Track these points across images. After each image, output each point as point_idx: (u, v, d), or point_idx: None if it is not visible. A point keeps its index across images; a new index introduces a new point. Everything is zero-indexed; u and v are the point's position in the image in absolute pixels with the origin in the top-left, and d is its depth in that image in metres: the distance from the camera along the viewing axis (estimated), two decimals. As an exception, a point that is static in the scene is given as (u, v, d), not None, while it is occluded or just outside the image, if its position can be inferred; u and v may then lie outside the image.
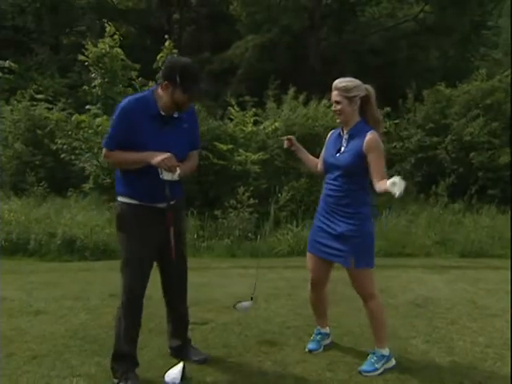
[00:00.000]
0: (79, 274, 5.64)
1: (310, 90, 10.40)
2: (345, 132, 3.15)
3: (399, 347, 3.39)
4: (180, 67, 2.82)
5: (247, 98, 10.28)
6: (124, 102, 2.88)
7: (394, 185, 2.73)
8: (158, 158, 2.77)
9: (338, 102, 3.10)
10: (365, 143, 3.02)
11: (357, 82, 3.11)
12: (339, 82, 3.10)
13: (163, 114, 2.88)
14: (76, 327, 3.75)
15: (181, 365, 2.97)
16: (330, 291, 3.46)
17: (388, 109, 10.02)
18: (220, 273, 5.52)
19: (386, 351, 3.16)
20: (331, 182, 3.15)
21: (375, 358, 3.14)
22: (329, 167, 3.17)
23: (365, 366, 3.12)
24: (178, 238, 3.01)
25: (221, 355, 3.30)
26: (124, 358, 2.96)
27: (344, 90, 3.07)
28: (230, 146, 8.72)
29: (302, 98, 9.73)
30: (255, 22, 16.11)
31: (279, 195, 8.27)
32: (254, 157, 8.62)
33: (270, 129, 9.07)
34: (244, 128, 9.25)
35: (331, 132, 3.33)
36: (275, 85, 10.54)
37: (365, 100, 3.12)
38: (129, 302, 2.96)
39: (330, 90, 3.18)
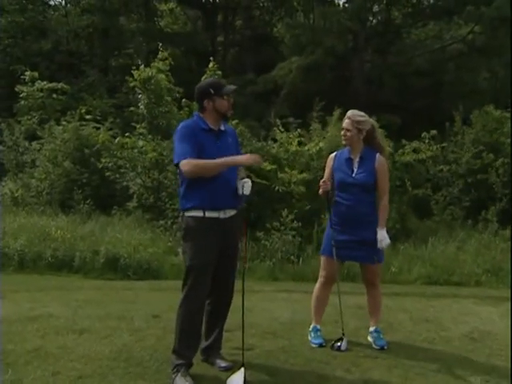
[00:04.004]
0: (123, 293, 5.64)
1: (354, 111, 10.29)
2: (355, 156, 3.83)
3: (455, 384, 3.20)
4: (207, 83, 3.43)
5: (291, 119, 10.28)
6: (181, 124, 3.37)
7: (382, 241, 3.73)
8: (245, 157, 3.26)
9: (348, 130, 3.82)
10: (377, 163, 3.82)
11: (366, 117, 3.86)
12: (353, 115, 3.83)
13: (213, 127, 3.32)
14: (120, 348, 3.72)
15: (242, 369, 3.13)
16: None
17: (434, 132, 9.83)
18: (263, 296, 5.40)
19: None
20: (351, 197, 3.79)
21: (380, 332, 3.90)
22: (347, 186, 3.80)
23: (381, 342, 3.83)
24: (236, 245, 3.45)
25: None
26: (180, 357, 3.22)
27: (356, 122, 3.80)
28: (274, 167, 8.68)
29: (347, 119, 9.62)
30: (299, 43, 16.17)
31: (322, 217, 8.14)
32: (299, 176, 8.54)
33: (314, 150, 8.99)
34: (289, 147, 9.19)
35: (334, 156, 3.98)
36: (320, 106, 10.48)
37: (370, 131, 3.84)
38: (190, 310, 3.24)
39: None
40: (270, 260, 7.46)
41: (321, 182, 3.86)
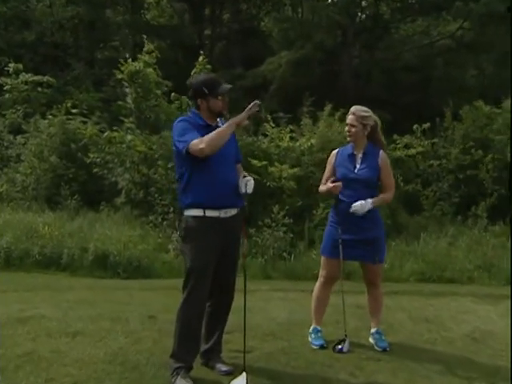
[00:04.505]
0: (114, 292, 5.49)
1: (342, 106, 10.22)
2: (358, 152, 3.77)
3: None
4: (202, 82, 3.24)
5: (281, 114, 10.19)
6: (178, 119, 3.27)
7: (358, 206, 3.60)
8: (243, 114, 3.14)
9: (353, 126, 3.74)
10: (380, 160, 3.74)
11: (370, 112, 3.77)
12: (357, 111, 3.74)
13: (210, 123, 3.22)
14: (115, 351, 3.59)
15: (244, 374, 3.05)
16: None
17: (426, 125, 9.82)
18: (259, 296, 5.28)
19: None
20: (352, 193, 3.68)
21: (381, 334, 3.82)
22: (349, 182, 3.71)
23: (383, 344, 3.73)
24: (237, 245, 3.38)
25: (268, 388, 3.11)
26: (178, 360, 3.13)
27: (361, 118, 3.72)
28: (264, 163, 8.59)
29: (338, 114, 9.55)
30: (287, 38, 16.07)
31: (314, 212, 8.08)
32: (290, 171, 8.46)
33: (305, 145, 8.92)
34: (280, 143, 9.11)
35: (336, 152, 3.91)
36: (310, 101, 10.39)
37: (374, 127, 3.77)
38: (190, 313, 3.13)
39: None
40: (262, 257, 7.38)
41: (330, 185, 3.72)
